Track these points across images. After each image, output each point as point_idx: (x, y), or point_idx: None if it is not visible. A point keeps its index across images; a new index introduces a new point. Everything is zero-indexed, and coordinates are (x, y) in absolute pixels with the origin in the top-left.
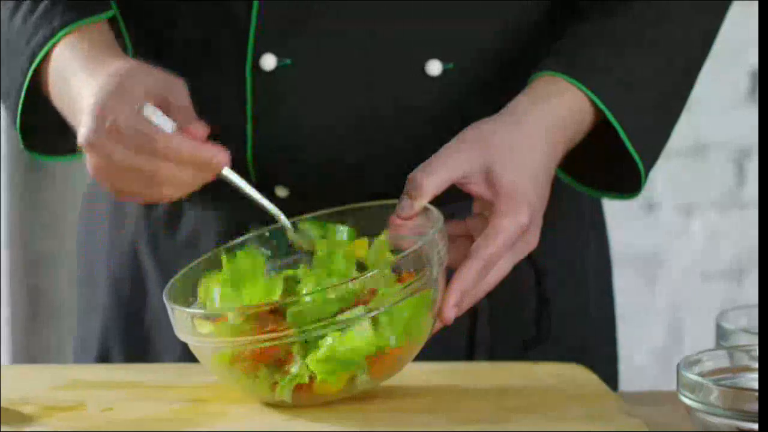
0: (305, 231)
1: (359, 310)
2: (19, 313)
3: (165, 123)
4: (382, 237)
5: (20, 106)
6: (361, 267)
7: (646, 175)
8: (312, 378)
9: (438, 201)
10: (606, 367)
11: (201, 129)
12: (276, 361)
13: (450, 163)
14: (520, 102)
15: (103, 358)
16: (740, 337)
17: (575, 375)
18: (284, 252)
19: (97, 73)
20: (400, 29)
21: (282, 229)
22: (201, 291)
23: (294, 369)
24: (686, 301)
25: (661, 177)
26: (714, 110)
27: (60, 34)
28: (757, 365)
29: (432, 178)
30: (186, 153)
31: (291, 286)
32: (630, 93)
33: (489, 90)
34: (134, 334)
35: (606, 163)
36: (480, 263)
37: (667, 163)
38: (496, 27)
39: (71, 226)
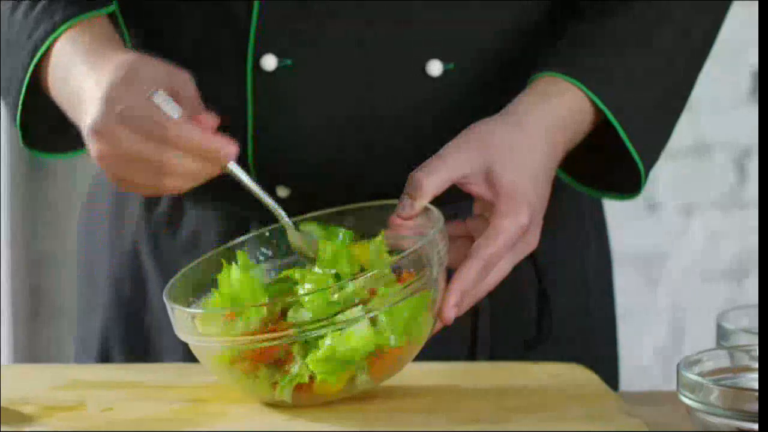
0: (307, 232)
1: (358, 310)
2: (20, 313)
3: (175, 111)
4: (380, 238)
5: (21, 100)
6: (362, 269)
7: (646, 175)
8: (312, 378)
9: (438, 201)
10: (607, 367)
11: (211, 119)
12: (276, 361)
13: (450, 163)
14: (521, 102)
15: (104, 358)
16: (740, 337)
17: (575, 375)
18: (284, 252)
19: (99, 65)
20: (400, 30)
21: (282, 229)
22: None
23: (294, 369)
24: (687, 301)
25: (663, 177)
26: (715, 110)
27: (62, 28)
28: (757, 365)
29: (432, 178)
30: (196, 141)
31: (291, 286)
32: (630, 93)
33: (489, 90)
34: (135, 334)
35: (606, 163)
36: (480, 263)
37: (669, 163)
38: (497, 27)
39: (72, 226)
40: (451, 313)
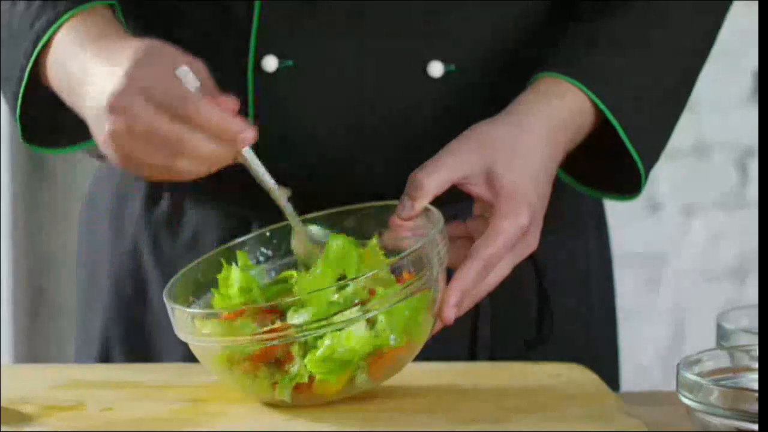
0: (310, 231)
1: (357, 310)
2: (20, 313)
3: (197, 87)
4: (374, 241)
5: (22, 90)
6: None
7: (647, 175)
8: (312, 378)
9: (439, 202)
10: (607, 367)
11: (231, 102)
12: (275, 361)
13: (451, 163)
14: (522, 103)
15: (104, 358)
16: (741, 337)
17: (575, 375)
18: (284, 252)
19: (110, 48)
20: (401, 31)
21: (282, 230)
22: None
23: (294, 369)
24: (688, 301)
25: (664, 177)
26: (717, 110)
27: (64, 17)
28: (757, 365)
29: (433, 178)
30: (215, 120)
31: (290, 286)
32: (630, 94)
33: (490, 91)
34: (135, 334)
35: (606, 163)
36: (480, 263)
37: (670, 164)
38: (498, 28)
39: (73, 226)
40: (451, 314)
